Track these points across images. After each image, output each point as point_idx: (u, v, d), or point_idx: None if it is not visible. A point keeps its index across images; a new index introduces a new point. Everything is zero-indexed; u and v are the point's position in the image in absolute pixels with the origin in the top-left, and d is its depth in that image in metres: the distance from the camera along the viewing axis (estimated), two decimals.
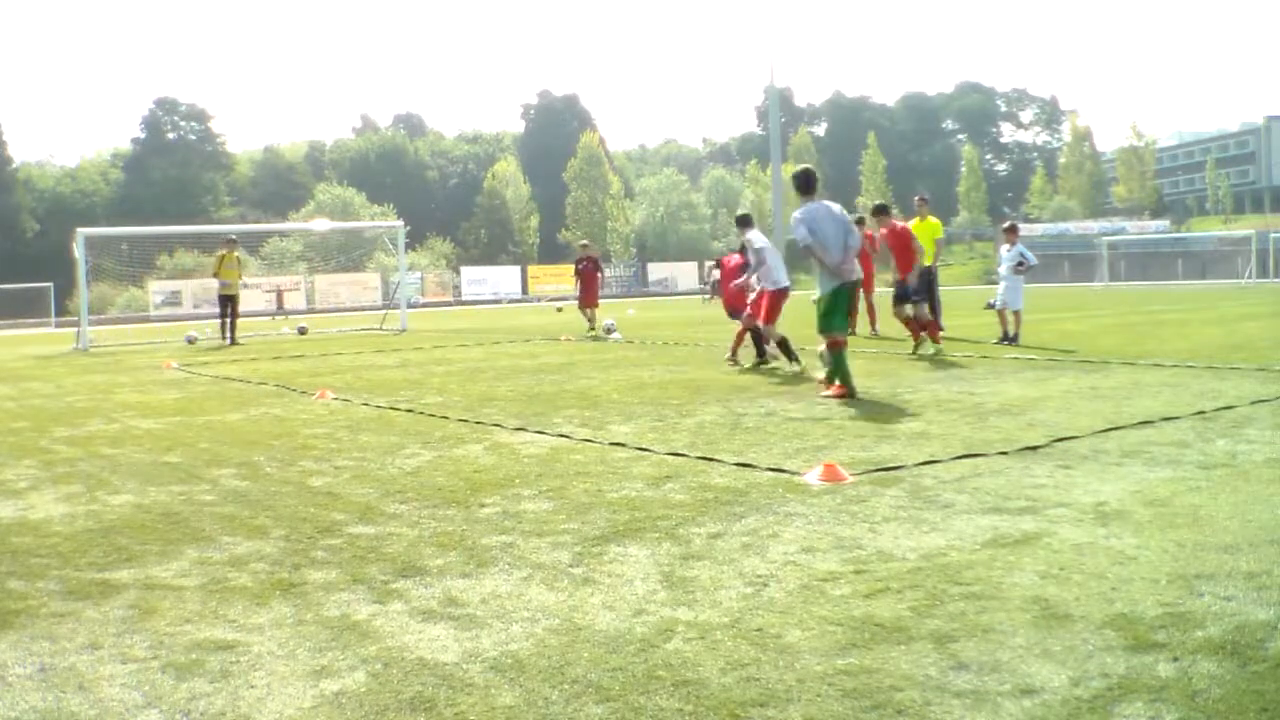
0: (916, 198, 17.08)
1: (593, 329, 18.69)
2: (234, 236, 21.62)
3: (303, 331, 24.28)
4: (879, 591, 3.42)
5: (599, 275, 19.71)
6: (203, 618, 3.41)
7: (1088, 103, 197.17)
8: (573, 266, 20.78)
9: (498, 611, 3.37)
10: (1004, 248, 14.79)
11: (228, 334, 20.58)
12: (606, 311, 19.55)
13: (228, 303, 20.72)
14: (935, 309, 15.88)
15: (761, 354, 11.52)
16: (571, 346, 16.08)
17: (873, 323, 16.20)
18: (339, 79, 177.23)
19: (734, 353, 11.95)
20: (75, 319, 23.97)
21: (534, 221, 76.54)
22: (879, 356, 12.35)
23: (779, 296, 11.04)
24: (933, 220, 16.11)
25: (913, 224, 16.34)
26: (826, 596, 3.40)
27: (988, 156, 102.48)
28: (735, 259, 12.33)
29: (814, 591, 3.45)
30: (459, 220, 75.83)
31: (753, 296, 11.35)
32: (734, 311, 12.39)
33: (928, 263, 15.89)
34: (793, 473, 5.39)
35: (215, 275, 21.07)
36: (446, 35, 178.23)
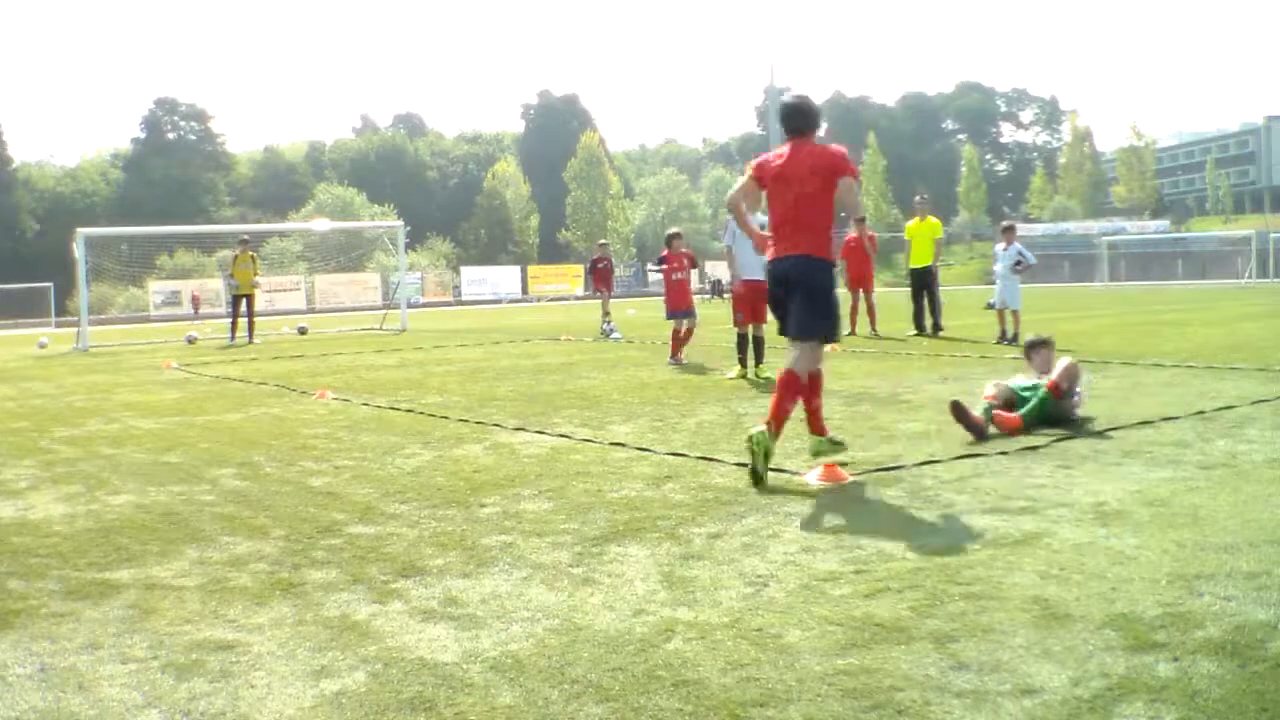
0: (916, 197, 17.11)
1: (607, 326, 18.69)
2: (246, 237, 21.80)
3: (303, 331, 24.29)
4: (879, 591, 3.42)
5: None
6: (203, 618, 3.40)
7: (1088, 103, 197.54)
8: (587, 265, 21.52)
9: (498, 611, 3.37)
10: (1000, 247, 14.79)
11: (239, 333, 20.71)
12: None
13: (240, 302, 20.91)
14: (936, 309, 15.89)
15: (758, 358, 10.47)
16: (571, 346, 16.08)
17: (873, 323, 16.20)
18: (339, 79, 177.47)
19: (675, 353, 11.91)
20: (75, 319, 23.99)
21: (534, 221, 76.63)
22: (879, 356, 12.35)
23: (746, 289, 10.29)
24: (932, 220, 16.15)
25: (912, 224, 16.37)
26: (826, 596, 3.39)
27: (988, 156, 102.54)
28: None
29: (814, 591, 3.45)
30: (459, 220, 75.89)
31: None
32: (674, 311, 12.19)
33: (927, 263, 15.92)
34: (793, 472, 5.38)
35: (231, 275, 21.47)
36: (446, 35, 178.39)
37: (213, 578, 3.86)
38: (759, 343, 10.41)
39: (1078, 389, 6.68)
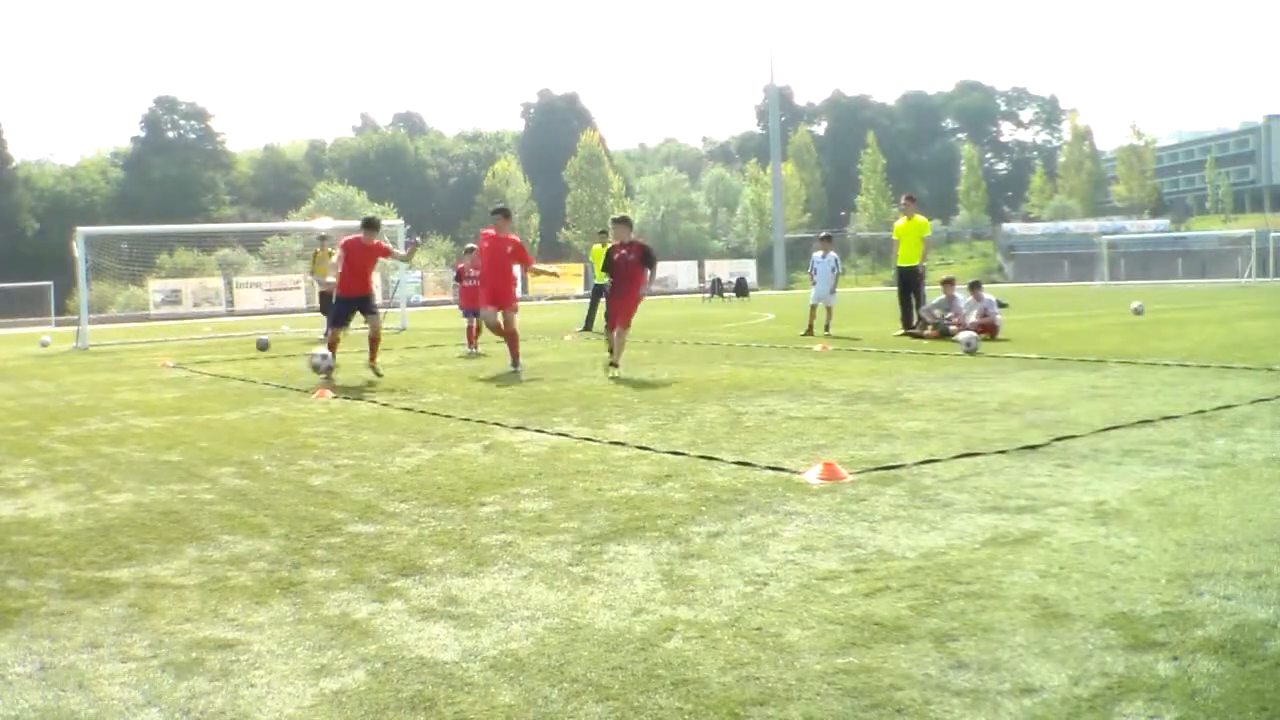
0: (904, 196, 17.06)
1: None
2: (325, 234, 22.22)
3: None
4: (879, 590, 3.42)
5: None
6: (202, 616, 3.40)
7: (1088, 102, 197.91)
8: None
9: (497, 610, 3.37)
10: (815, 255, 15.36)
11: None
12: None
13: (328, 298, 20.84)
14: (920, 307, 15.84)
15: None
16: (571, 346, 16.08)
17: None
18: (339, 78, 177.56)
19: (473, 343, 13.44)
20: (75, 318, 23.97)
21: (534, 220, 76.56)
22: (878, 356, 12.35)
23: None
24: (920, 219, 16.10)
25: (900, 223, 16.34)
26: (826, 595, 3.39)
27: (988, 155, 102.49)
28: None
29: (814, 590, 3.45)
30: (459, 219, 75.82)
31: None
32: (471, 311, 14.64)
33: (914, 262, 15.91)
34: (792, 471, 5.38)
35: (312, 272, 21.66)
36: (446, 35, 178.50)
37: (213, 576, 3.86)
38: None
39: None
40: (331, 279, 12.54)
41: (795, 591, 3.44)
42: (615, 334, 11.03)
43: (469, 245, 16.45)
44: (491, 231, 11.81)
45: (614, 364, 10.83)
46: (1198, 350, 11.70)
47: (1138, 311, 20.22)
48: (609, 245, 11.59)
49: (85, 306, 21.87)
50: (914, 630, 3.04)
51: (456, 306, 15.90)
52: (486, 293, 11.79)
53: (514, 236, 11.93)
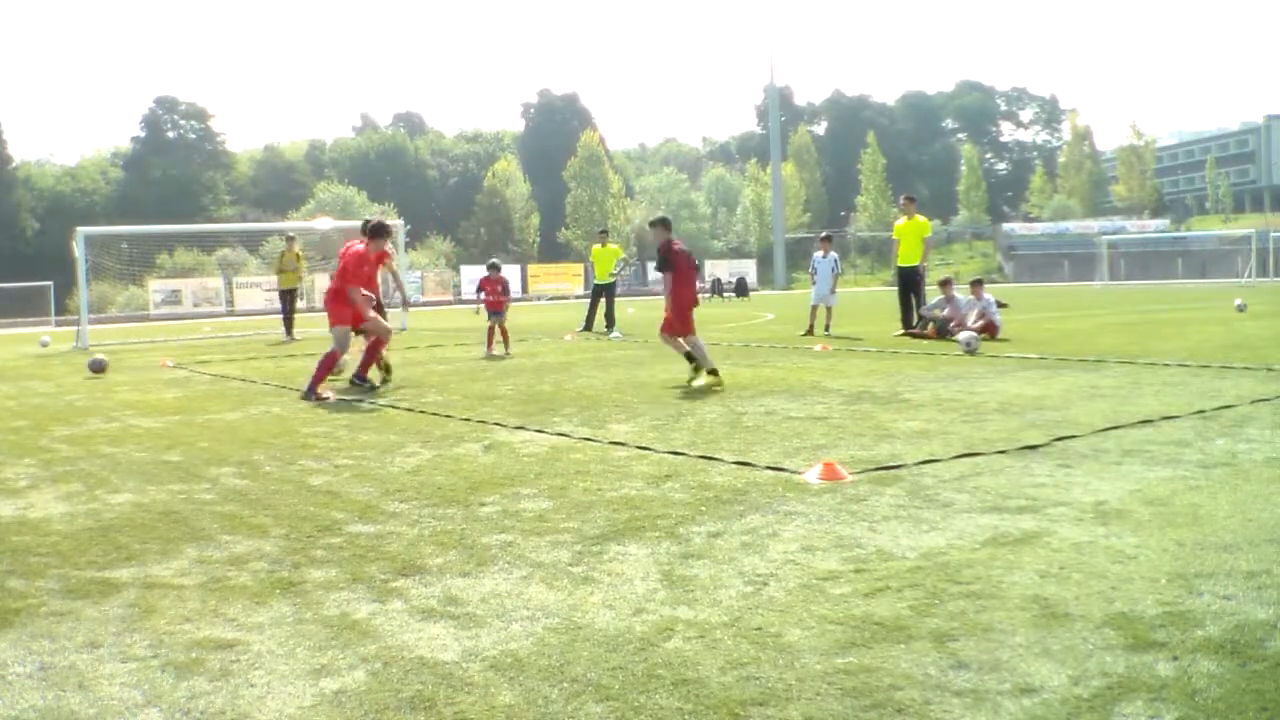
0: (904, 196, 17.07)
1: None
2: (292, 235, 22.28)
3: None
4: (879, 590, 3.42)
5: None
6: (202, 616, 3.40)
7: (1088, 102, 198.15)
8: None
9: (497, 610, 3.37)
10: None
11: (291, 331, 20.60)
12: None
13: (288, 297, 20.84)
14: (920, 308, 15.85)
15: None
16: (571, 346, 16.09)
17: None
18: (339, 78, 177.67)
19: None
20: (75, 318, 23.97)
21: (534, 220, 76.56)
22: (880, 356, 12.35)
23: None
24: (920, 219, 16.11)
25: (901, 223, 16.34)
26: (826, 595, 3.39)
27: (987, 155, 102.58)
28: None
29: (814, 590, 3.45)
30: (459, 219, 75.80)
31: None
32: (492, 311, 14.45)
33: (915, 262, 15.92)
34: (792, 471, 5.38)
35: (279, 271, 21.60)
36: (446, 35, 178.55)
37: (212, 576, 3.86)
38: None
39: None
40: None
41: (795, 591, 3.44)
42: (693, 342, 9.75)
43: (492, 261, 16.11)
44: (360, 248, 10.30)
45: (713, 371, 9.47)
46: (1198, 350, 11.70)
47: (1240, 308, 20.55)
48: (661, 244, 10.13)
49: (85, 306, 21.85)
50: (914, 630, 3.04)
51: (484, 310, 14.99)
52: (347, 310, 10.28)
53: (387, 250, 10.83)
